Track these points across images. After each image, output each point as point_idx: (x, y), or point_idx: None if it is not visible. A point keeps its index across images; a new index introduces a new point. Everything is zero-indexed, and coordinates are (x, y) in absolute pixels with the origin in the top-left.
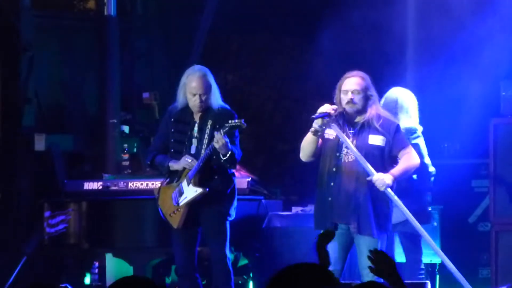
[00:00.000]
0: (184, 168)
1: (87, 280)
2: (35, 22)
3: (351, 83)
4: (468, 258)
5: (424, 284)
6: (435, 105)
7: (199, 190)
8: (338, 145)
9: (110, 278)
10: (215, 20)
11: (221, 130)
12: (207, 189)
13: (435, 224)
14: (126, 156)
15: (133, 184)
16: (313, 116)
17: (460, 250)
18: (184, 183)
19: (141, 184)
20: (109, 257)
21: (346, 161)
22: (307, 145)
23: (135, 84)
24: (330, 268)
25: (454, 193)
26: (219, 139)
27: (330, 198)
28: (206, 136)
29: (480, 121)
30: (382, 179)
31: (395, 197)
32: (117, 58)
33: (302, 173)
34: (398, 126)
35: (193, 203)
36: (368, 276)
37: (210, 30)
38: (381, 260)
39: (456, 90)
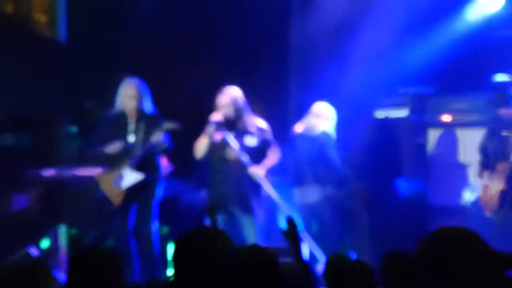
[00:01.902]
0: (123, 159)
1: (46, 243)
2: None
3: (224, 98)
4: None
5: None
6: None
7: (139, 175)
8: (222, 145)
9: (62, 243)
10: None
11: (159, 129)
12: (145, 175)
13: None
14: (73, 149)
15: (77, 171)
16: (211, 122)
17: None
18: (125, 170)
19: (84, 171)
20: (62, 227)
21: (229, 157)
22: (202, 147)
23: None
24: None
25: None
26: (159, 136)
27: (218, 186)
28: (142, 135)
29: None
30: (256, 171)
31: (266, 184)
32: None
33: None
34: (267, 131)
35: (130, 185)
36: None
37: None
38: (291, 227)
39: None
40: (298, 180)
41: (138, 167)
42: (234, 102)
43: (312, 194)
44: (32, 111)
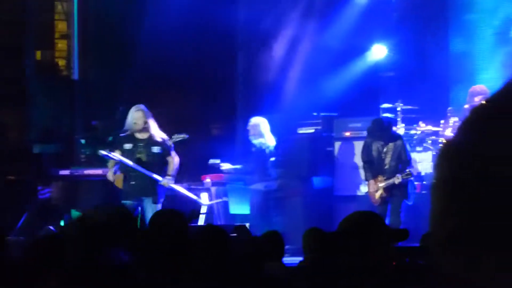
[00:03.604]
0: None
1: (62, 223)
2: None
3: (137, 113)
4: None
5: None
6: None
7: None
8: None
9: None
10: None
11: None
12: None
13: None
14: (83, 156)
15: (86, 171)
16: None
17: None
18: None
19: (91, 171)
20: (73, 211)
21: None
22: (112, 162)
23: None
24: None
25: None
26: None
27: (133, 182)
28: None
29: None
30: (167, 182)
31: (174, 186)
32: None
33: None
34: (167, 140)
35: None
36: None
37: None
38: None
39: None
40: (260, 178)
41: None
42: (143, 117)
43: (269, 184)
44: (54, 127)
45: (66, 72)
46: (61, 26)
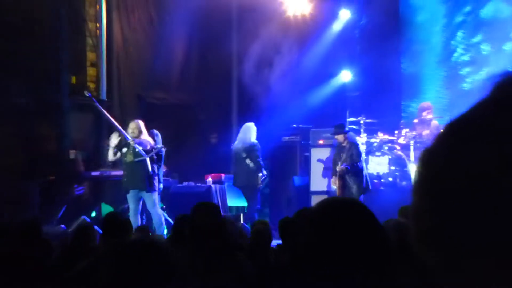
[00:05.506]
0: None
1: (93, 214)
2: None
3: (134, 124)
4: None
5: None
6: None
7: None
8: (126, 151)
9: (104, 214)
10: None
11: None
12: None
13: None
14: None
15: (112, 173)
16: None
17: None
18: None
19: (116, 172)
20: (103, 204)
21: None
22: (110, 154)
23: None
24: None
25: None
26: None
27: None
28: None
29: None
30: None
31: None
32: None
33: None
34: (152, 143)
35: None
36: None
37: None
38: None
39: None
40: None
41: None
42: (138, 126)
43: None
44: (86, 138)
45: (95, 93)
46: (91, 56)
